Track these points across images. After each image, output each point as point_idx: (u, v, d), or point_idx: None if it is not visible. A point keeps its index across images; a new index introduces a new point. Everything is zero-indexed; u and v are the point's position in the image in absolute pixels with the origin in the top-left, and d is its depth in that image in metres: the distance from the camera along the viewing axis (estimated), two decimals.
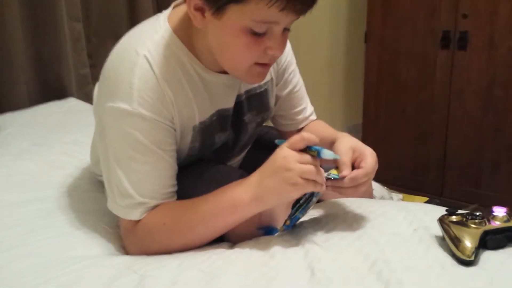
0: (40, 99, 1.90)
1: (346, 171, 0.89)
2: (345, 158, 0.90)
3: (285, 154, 0.82)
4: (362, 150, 0.93)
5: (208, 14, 0.82)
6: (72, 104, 1.85)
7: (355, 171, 0.89)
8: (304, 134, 0.83)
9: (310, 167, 0.81)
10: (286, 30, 0.87)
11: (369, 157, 0.91)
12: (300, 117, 1.18)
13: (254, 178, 0.85)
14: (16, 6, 1.77)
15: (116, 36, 0.96)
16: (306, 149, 0.83)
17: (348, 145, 0.93)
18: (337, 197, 1.06)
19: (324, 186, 0.84)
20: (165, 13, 0.94)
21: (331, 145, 0.95)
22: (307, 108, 1.19)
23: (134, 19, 2.20)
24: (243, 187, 0.85)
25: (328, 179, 0.88)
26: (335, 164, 0.94)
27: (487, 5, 2.04)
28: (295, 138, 0.83)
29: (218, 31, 0.84)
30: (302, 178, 0.80)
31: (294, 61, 1.14)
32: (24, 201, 1.11)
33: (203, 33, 0.88)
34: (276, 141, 0.88)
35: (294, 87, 1.15)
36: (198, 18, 0.84)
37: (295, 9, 0.80)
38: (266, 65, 0.89)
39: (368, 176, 0.90)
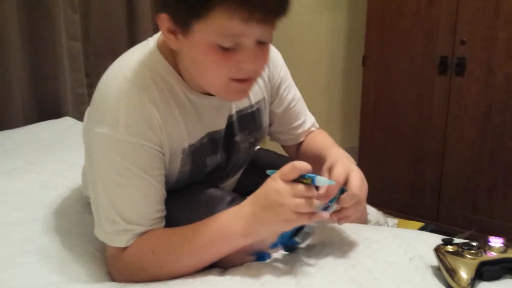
0: (35, 118, 1.90)
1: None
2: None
3: (278, 188, 0.79)
4: (351, 170, 0.89)
5: (180, 35, 0.82)
6: (67, 123, 1.84)
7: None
8: (295, 163, 0.80)
9: (303, 202, 0.78)
10: (262, 43, 0.83)
11: (354, 178, 0.87)
12: (300, 131, 1.17)
13: (247, 209, 0.82)
14: (16, 24, 1.78)
15: (115, 55, 0.96)
16: (300, 177, 0.80)
17: (343, 168, 0.89)
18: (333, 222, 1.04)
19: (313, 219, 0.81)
20: (155, 37, 0.94)
21: (321, 158, 0.93)
22: (306, 122, 1.17)
23: (133, 39, 2.21)
24: (235, 219, 0.83)
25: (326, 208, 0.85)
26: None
27: (485, 31, 2.04)
28: (286, 168, 0.80)
29: (189, 50, 0.84)
30: (295, 213, 0.78)
31: (288, 77, 1.13)
32: (12, 221, 1.09)
33: (180, 55, 0.88)
34: (268, 171, 0.85)
35: (290, 103, 1.13)
36: (173, 40, 0.84)
37: (258, 18, 0.77)
38: (245, 81, 0.86)
39: (355, 198, 0.86)
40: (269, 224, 0.80)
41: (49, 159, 1.44)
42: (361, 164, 2.51)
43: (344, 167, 0.89)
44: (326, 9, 2.79)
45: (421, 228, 1.61)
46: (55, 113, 1.93)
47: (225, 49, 0.80)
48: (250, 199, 0.83)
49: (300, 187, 0.78)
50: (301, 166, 0.79)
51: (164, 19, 0.82)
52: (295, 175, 0.79)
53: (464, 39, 2.09)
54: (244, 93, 0.91)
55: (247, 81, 0.86)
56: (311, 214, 0.79)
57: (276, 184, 0.79)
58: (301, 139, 1.17)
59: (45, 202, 1.18)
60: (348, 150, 2.66)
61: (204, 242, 0.84)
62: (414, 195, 2.38)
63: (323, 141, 1.14)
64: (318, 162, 0.95)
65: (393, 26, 2.30)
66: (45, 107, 1.93)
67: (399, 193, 2.41)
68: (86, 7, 2.08)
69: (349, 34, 2.79)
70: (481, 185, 2.18)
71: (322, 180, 0.79)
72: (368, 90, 2.46)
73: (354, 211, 0.88)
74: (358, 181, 0.87)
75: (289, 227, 0.81)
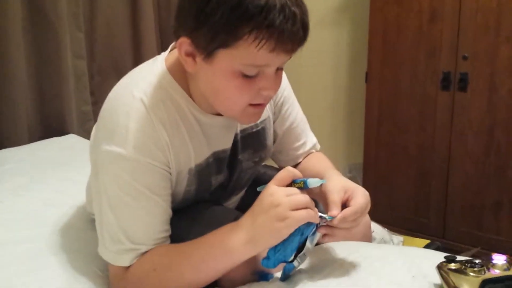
0: (40, 135, 1.90)
1: (336, 210, 0.86)
2: (335, 197, 0.87)
3: (272, 191, 0.80)
4: (353, 188, 0.90)
5: (199, 59, 0.82)
6: (72, 141, 1.85)
7: (344, 210, 0.87)
8: (288, 167, 0.81)
9: (299, 197, 0.78)
10: (279, 69, 0.86)
11: (359, 195, 0.89)
12: (300, 152, 1.16)
13: (245, 219, 0.82)
14: (21, 41, 1.79)
15: (119, 74, 0.96)
16: (292, 184, 0.81)
17: (340, 184, 0.91)
18: (335, 240, 1.03)
19: (318, 215, 0.81)
20: (163, 55, 0.94)
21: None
22: (306, 143, 1.17)
23: (138, 57, 2.23)
24: (235, 229, 0.82)
25: (321, 217, 0.86)
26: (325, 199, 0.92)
27: (487, 47, 2.05)
28: (280, 173, 0.81)
29: (209, 75, 0.84)
30: (292, 210, 0.77)
31: (291, 96, 1.13)
32: (17, 240, 1.09)
33: (196, 78, 0.88)
34: (258, 188, 0.85)
35: (292, 123, 1.13)
36: (190, 63, 0.84)
37: (286, 48, 0.78)
38: (261, 105, 0.89)
39: (357, 215, 0.87)
40: (268, 226, 0.78)
41: (53, 176, 1.45)
42: (366, 181, 2.52)
43: (347, 184, 0.91)
44: (328, 26, 2.81)
45: (427, 246, 1.61)
46: (60, 131, 1.93)
47: (247, 76, 0.81)
48: (249, 211, 0.83)
49: (294, 188, 0.80)
50: (293, 170, 0.81)
51: (184, 43, 0.82)
52: (288, 179, 0.81)
53: (466, 55, 2.10)
54: (259, 116, 0.92)
55: (262, 105, 0.89)
56: (309, 210, 0.79)
57: (270, 188, 0.80)
58: (299, 160, 1.17)
59: (49, 220, 1.18)
60: (353, 166, 2.66)
61: (205, 257, 0.84)
62: (419, 212, 2.36)
63: (321, 163, 1.13)
64: None
65: (395, 42, 2.31)
66: (50, 124, 1.94)
67: (404, 210, 2.40)
68: (91, 26, 2.11)
69: (352, 50, 2.80)
70: (487, 202, 2.16)
71: (314, 181, 0.80)
72: (372, 107, 2.46)
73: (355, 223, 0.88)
74: (363, 200, 0.88)
75: (288, 228, 0.79)
